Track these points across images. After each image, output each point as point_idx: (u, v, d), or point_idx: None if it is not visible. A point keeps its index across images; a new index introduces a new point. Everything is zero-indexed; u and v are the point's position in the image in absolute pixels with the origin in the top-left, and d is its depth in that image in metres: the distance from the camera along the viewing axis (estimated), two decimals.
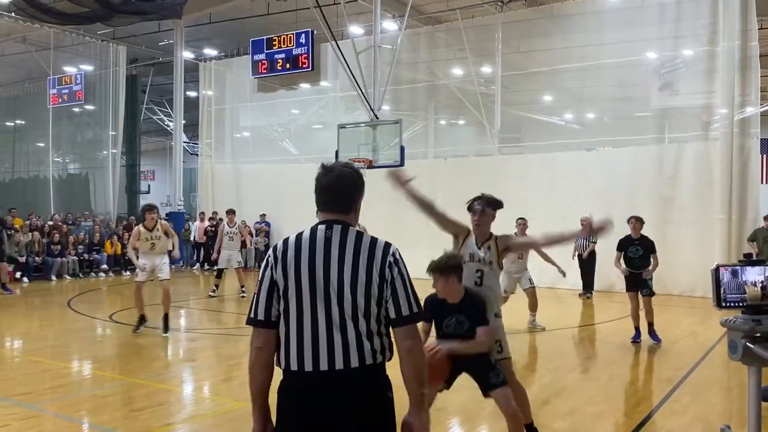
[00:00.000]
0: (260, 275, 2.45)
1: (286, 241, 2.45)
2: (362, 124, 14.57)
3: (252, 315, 2.42)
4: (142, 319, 9.36)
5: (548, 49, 16.80)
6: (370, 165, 13.84)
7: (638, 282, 8.69)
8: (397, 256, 2.44)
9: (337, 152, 14.40)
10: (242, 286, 13.60)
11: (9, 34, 21.45)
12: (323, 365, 2.32)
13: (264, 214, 20.28)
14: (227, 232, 13.68)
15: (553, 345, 9.10)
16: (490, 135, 17.00)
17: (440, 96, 18.77)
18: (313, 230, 2.44)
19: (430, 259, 4.09)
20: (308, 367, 2.33)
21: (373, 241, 2.44)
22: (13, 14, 18.43)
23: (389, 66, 14.75)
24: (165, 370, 7.80)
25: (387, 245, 2.45)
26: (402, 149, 13.68)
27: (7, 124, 26.29)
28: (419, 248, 15.05)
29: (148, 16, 18.76)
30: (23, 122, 25.95)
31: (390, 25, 17.92)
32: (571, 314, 12.17)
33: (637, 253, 8.66)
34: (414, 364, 2.37)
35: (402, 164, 13.69)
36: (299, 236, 2.44)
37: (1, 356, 8.40)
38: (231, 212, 14.09)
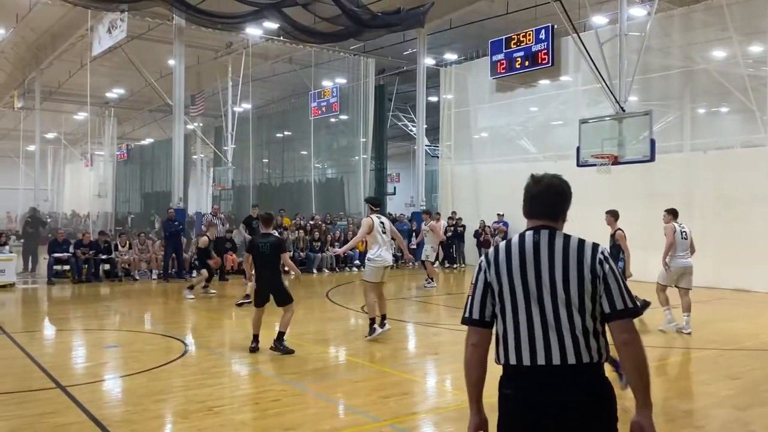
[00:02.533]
0: (474, 279, 2.59)
1: (497, 248, 2.61)
2: (607, 118, 13.76)
3: (467, 314, 2.57)
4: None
5: None
6: (616, 161, 13.03)
7: None
8: (606, 255, 2.50)
9: (578, 148, 13.81)
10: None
11: (278, 56, 24.49)
12: (540, 360, 2.41)
13: (501, 214, 20.28)
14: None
15: None
16: (761, 123, 14.87)
17: (697, 82, 16.93)
18: (521, 236, 2.59)
19: None
20: (526, 361, 2.43)
21: (581, 241, 2.52)
22: (281, 38, 20.99)
23: (637, 54, 13.72)
24: (410, 361, 8.23)
25: (595, 245, 2.53)
26: (652, 142, 12.64)
27: (278, 135, 29.98)
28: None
29: (394, 28, 19.96)
30: (290, 133, 29.37)
31: (637, 11, 16.66)
32: None
33: None
34: (632, 356, 2.40)
35: (653, 159, 12.67)
36: (509, 242, 2.60)
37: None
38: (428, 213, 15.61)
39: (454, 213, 21.66)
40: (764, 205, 14.16)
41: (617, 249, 9.61)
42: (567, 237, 2.52)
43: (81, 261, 16.12)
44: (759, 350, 8.44)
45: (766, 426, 5.43)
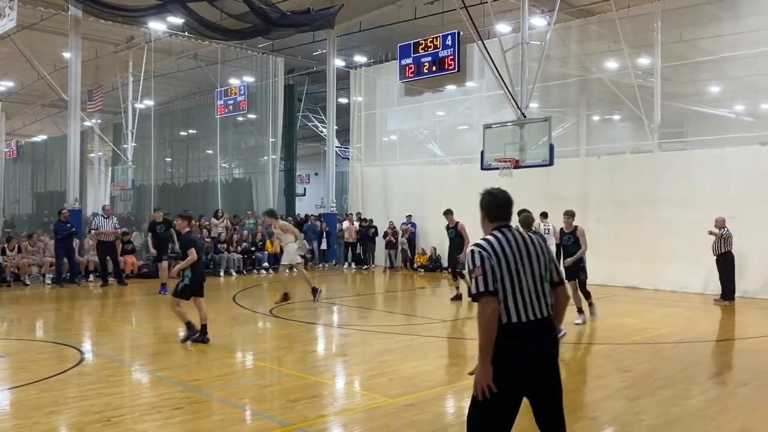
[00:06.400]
0: (479, 264, 3.44)
1: (490, 243, 3.51)
2: (509, 123, 14.28)
3: (483, 289, 3.42)
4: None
5: (716, 36, 15.44)
6: (517, 165, 13.54)
7: None
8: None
9: (482, 152, 14.25)
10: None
11: (183, 52, 23.68)
12: (536, 315, 3.48)
13: (410, 215, 20.59)
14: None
15: (722, 358, 8.35)
16: (648, 130, 15.93)
17: (593, 91, 17.91)
18: (503, 234, 3.57)
19: None
20: (528, 317, 3.46)
21: (537, 235, 3.80)
22: (186, 33, 20.33)
23: (537, 63, 14.34)
24: (318, 364, 8.18)
25: (545, 238, 4.00)
26: (551, 147, 13.24)
27: (182, 133, 28.97)
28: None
29: (304, 28, 19.79)
30: (195, 132, 28.46)
31: (538, 21, 17.43)
32: (731, 323, 11.10)
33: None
34: (562, 306, 3.76)
35: (551, 163, 13.27)
36: (497, 239, 3.54)
37: (177, 346, 9.29)
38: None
39: (359, 214, 21.81)
40: (651, 208, 15.16)
41: (460, 238, 12.80)
42: (528, 233, 3.70)
43: None
44: (647, 344, 9.01)
45: (654, 415, 5.80)
